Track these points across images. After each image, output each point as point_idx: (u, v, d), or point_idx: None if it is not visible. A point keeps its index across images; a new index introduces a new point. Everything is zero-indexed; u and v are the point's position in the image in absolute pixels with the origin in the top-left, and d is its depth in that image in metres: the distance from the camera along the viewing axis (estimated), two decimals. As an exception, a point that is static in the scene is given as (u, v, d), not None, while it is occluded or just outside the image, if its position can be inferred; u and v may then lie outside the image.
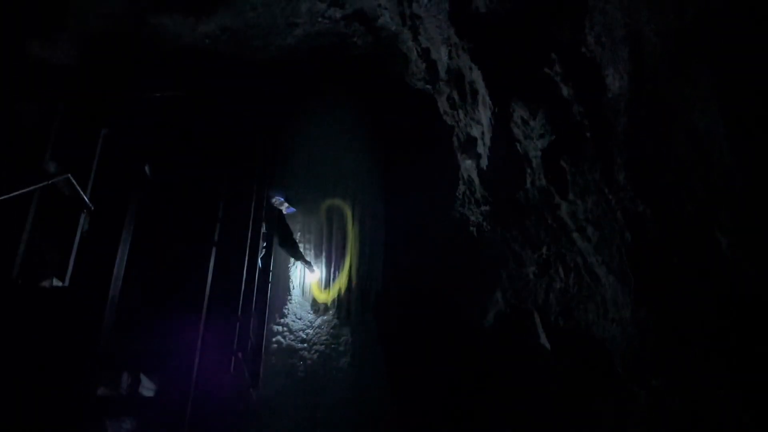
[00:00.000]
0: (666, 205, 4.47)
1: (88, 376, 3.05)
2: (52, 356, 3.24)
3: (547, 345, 6.98)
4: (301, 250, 8.36)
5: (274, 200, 7.28)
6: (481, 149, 7.04)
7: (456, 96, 7.27)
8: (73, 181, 3.91)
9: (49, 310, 3.62)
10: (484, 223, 7.70)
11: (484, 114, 6.60)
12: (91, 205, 3.70)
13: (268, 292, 6.60)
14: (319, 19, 7.92)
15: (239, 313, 5.01)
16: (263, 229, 6.64)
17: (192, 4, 6.95)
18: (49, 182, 3.86)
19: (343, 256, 8.61)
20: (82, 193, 3.98)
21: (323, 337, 8.21)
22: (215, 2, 7.10)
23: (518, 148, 6.27)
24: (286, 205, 7.60)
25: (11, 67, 3.84)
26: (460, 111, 7.34)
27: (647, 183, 4.58)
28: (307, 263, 8.30)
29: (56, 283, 4.26)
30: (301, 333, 8.14)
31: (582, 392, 6.41)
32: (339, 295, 8.46)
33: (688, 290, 4.63)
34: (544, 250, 6.98)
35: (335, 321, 8.39)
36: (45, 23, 4.63)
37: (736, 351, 4.44)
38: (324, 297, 8.42)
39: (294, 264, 8.49)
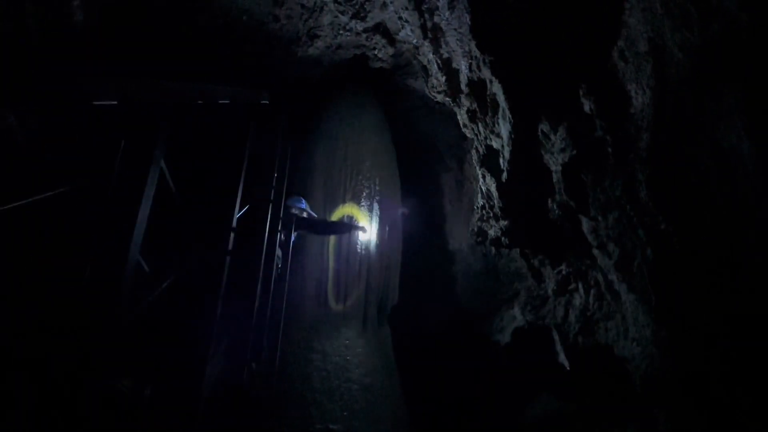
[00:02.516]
0: (689, 223, 4.35)
1: (96, 381, 3.04)
2: (61, 360, 3.25)
3: (566, 363, 6.84)
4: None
5: (294, 210, 7.28)
6: (501, 162, 6.98)
7: (476, 108, 7.23)
8: (94, 185, 3.96)
9: (64, 313, 3.65)
10: (503, 238, 7.61)
11: (505, 127, 6.55)
12: (107, 208, 3.74)
13: (284, 301, 6.58)
14: (341, 32, 7.99)
15: (253, 322, 5.00)
16: (281, 237, 6.64)
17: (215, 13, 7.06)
18: (69, 188, 3.90)
19: (359, 266, 8.59)
20: (102, 196, 4.03)
21: (339, 348, 8.18)
22: (239, 12, 7.21)
23: (538, 162, 6.20)
24: (305, 213, 7.61)
25: (36, 75, 3.92)
26: (480, 124, 7.30)
27: (670, 200, 4.47)
28: (360, 228, 8.21)
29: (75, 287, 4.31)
30: (316, 344, 8.11)
31: (601, 413, 6.26)
32: (355, 307, 8.43)
33: (713, 311, 4.50)
34: (563, 266, 6.87)
35: (351, 332, 8.35)
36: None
37: (764, 375, 4.29)
38: (340, 308, 8.40)
39: (311, 273, 8.47)
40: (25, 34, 4.27)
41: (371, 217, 8.77)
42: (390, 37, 8.19)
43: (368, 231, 8.42)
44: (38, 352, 3.52)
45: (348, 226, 8.16)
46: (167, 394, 4.32)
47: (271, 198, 5.59)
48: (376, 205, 8.89)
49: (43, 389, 3.20)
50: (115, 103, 3.44)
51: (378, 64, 8.90)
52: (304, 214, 7.52)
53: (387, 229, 8.96)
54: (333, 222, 8.27)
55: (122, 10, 6.13)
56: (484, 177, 7.70)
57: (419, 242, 9.32)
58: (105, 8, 5.61)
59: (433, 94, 8.42)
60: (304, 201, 7.47)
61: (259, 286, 5.27)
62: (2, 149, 4.04)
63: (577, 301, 6.93)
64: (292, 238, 7.08)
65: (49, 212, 4.09)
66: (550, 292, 7.23)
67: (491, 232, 7.97)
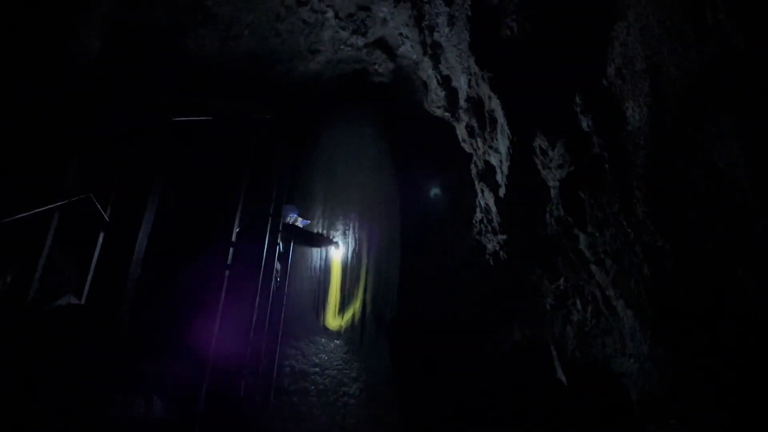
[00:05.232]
0: (685, 241, 4.38)
1: (100, 395, 3.05)
2: (65, 375, 3.26)
3: (564, 379, 6.82)
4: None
5: (288, 218, 7.30)
6: (499, 178, 7.02)
7: (475, 124, 7.29)
8: (94, 200, 3.98)
9: (64, 329, 3.66)
10: (501, 252, 7.63)
11: (503, 143, 6.60)
12: (108, 223, 3.76)
13: (282, 314, 6.57)
14: (342, 47, 8.06)
15: (251, 335, 5.00)
16: (279, 249, 6.65)
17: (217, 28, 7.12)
18: (70, 201, 3.92)
19: (357, 280, 8.57)
20: (101, 211, 4.05)
21: (336, 362, 8.14)
22: (241, 27, 7.28)
23: (536, 177, 6.24)
24: (300, 220, 7.63)
25: (33, 88, 3.95)
26: (479, 139, 7.35)
27: (667, 218, 4.51)
28: (334, 243, 8.25)
29: (73, 301, 4.32)
30: (314, 357, 8.08)
31: (598, 429, 6.24)
32: (353, 321, 8.40)
33: (708, 328, 4.51)
34: (561, 281, 6.89)
35: (349, 346, 8.31)
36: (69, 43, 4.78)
37: (759, 392, 4.29)
38: (338, 322, 8.37)
39: (309, 287, 8.44)
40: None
41: (370, 230, 8.78)
42: (390, 53, 8.26)
43: (341, 247, 8.46)
44: (37, 360, 3.52)
45: (324, 240, 8.21)
46: (165, 406, 4.31)
47: (271, 212, 5.61)
48: (375, 218, 8.90)
49: (41, 396, 3.21)
50: (117, 117, 3.49)
51: (378, 79, 8.96)
52: (299, 222, 7.56)
53: (385, 242, 8.96)
54: (314, 234, 8.29)
55: (123, 27, 6.18)
56: (482, 191, 7.74)
57: (417, 256, 9.31)
58: (106, 27, 5.66)
59: (432, 109, 8.48)
60: (296, 209, 7.51)
61: (257, 300, 5.28)
62: (6, 163, 4.07)
63: (575, 316, 6.93)
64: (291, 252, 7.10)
65: (50, 227, 4.11)
66: (547, 306, 7.24)
67: (489, 246, 7.99)
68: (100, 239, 4.08)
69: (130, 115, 3.54)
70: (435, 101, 8.20)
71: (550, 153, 5.81)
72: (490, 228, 7.87)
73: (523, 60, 5.96)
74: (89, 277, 4.11)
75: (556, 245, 6.51)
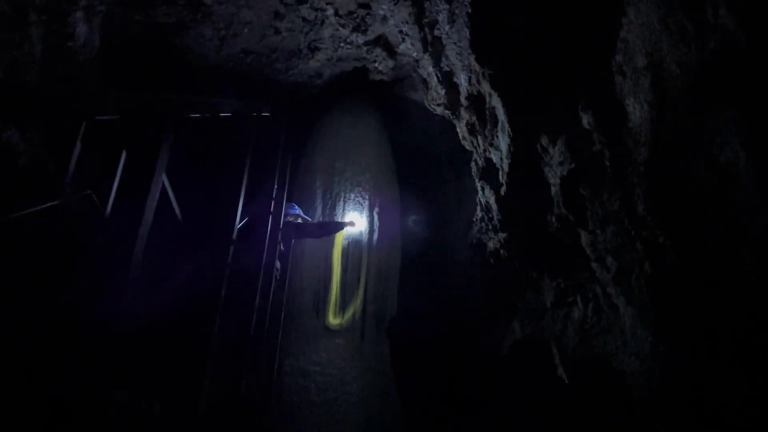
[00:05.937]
0: (687, 237, 4.36)
1: (99, 395, 3.04)
2: (64, 375, 3.25)
3: (565, 378, 6.81)
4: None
5: (289, 217, 7.30)
6: (500, 175, 7.01)
7: (475, 121, 7.28)
8: (94, 197, 3.98)
9: (63, 328, 3.65)
10: (502, 250, 7.61)
11: (503, 140, 6.58)
12: (107, 221, 3.75)
13: (282, 313, 6.58)
14: (342, 44, 8.06)
15: (251, 334, 4.99)
16: (280, 248, 6.65)
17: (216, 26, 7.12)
18: (70, 198, 3.91)
19: (357, 278, 8.57)
20: (101, 208, 4.04)
21: (336, 361, 8.15)
22: (240, 25, 7.28)
23: (537, 175, 6.22)
24: (300, 219, 7.63)
25: (34, 84, 3.95)
26: (480, 137, 7.34)
27: (667, 214, 4.49)
28: (349, 223, 8.18)
29: (73, 300, 4.31)
30: (314, 356, 8.08)
31: (600, 428, 6.23)
32: (353, 319, 8.40)
33: (710, 326, 4.50)
34: (562, 279, 6.87)
35: (349, 345, 8.32)
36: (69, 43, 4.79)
37: (761, 391, 4.27)
38: (338, 321, 8.37)
39: (309, 286, 8.45)
40: (31, 59, 4.28)
41: (370, 229, 8.78)
42: (390, 50, 8.26)
43: (357, 224, 8.42)
44: (36, 360, 3.52)
45: (337, 224, 8.17)
46: (165, 406, 4.31)
47: (271, 209, 5.61)
48: (375, 217, 8.90)
49: (39, 396, 3.21)
50: (118, 117, 3.48)
51: (378, 77, 8.96)
52: (299, 220, 7.55)
53: (385, 240, 8.96)
54: (323, 223, 8.29)
55: (122, 25, 6.18)
56: (483, 189, 7.72)
57: (417, 254, 9.31)
58: (105, 26, 5.66)
59: (433, 106, 8.47)
60: (296, 207, 7.49)
61: (257, 298, 5.28)
62: (4, 160, 4.07)
63: (576, 314, 6.91)
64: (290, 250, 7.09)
65: (50, 222, 4.11)
66: (548, 304, 7.22)
67: (490, 245, 7.97)
68: (99, 237, 4.07)
69: (128, 112, 3.52)
70: (435, 99, 8.19)
71: (551, 150, 5.79)
72: (490, 226, 7.86)
73: (524, 58, 5.94)
74: (88, 275, 4.10)
75: (556, 243, 6.49)
